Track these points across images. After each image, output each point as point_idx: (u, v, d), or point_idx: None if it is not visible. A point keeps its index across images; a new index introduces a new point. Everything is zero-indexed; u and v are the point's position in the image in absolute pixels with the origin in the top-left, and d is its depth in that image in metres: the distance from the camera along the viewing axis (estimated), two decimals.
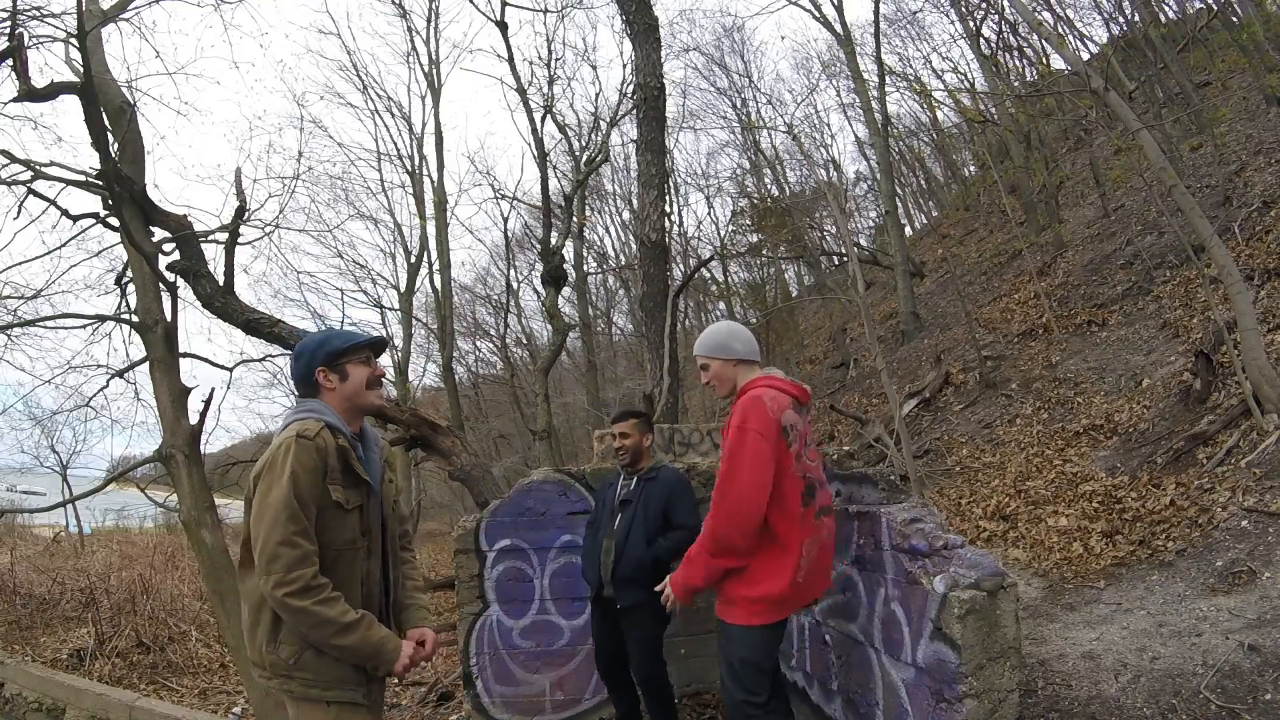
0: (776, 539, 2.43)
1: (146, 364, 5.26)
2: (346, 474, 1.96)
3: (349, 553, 1.96)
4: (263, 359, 8.06)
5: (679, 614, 2.96)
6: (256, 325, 5.60)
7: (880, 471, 3.23)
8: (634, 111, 7.96)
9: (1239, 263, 7.03)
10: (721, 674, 2.55)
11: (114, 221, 5.22)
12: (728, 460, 2.39)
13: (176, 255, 5.37)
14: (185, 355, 5.47)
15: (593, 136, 12.93)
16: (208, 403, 5.20)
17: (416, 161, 15.16)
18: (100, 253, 6.60)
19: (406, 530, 2.36)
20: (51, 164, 5.21)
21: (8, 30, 4.44)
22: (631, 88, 9.18)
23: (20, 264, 6.12)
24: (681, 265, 16.77)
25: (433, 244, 14.75)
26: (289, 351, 6.17)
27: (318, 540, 1.88)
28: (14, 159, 5.09)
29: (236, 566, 1.97)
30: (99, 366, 6.48)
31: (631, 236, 19.50)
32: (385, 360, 2.28)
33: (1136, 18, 14.76)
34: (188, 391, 5.16)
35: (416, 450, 6.24)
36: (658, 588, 2.65)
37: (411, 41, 16.27)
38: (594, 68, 34.24)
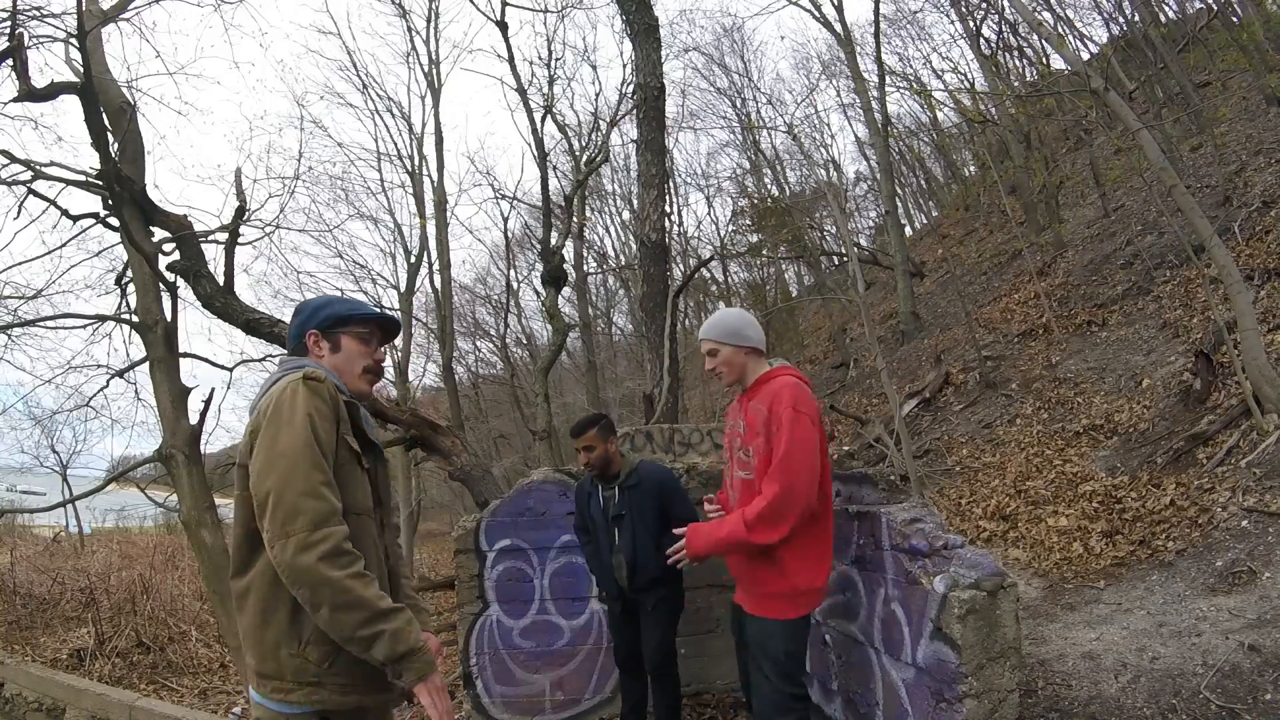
0: (822, 525, 2.42)
1: (146, 364, 5.27)
2: (357, 433, 1.70)
3: (367, 521, 1.66)
4: (263, 359, 8.07)
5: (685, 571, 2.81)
6: (256, 325, 5.59)
7: (880, 471, 3.23)
8: (634, 111, 7.95)
9: (1239, 263, 7.03)
10: (762, 671, 2.47)
11: (114, 221, 5.22)
12: (787, 441, 2.28)
13: (176, 255, 5.37)
14: (185, 355, 5.47)
15: (593, 136, 12.91)
16: (208, 403, 5.21)
17: (416, 161, 15.14)
18: (100, 253, 6.62)
19: (396, 524, 2.19)
20: (51, 164, 5.21)
21: (8, 30, 4.44)
22: (631, 88, 9.17)
23: (20, 264, 6.13)
24: (681, 265, 16.78)
25: (433, 244, 14.73)
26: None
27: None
28: (14, 159, 5.10)
29: (231, 565, 1.65)
30: (99, 366, 6.49)
31: (631, 236, 19.50)
32: (387, 359, 2.00)
33: (1136, 18, 14.76)
34: (188, 391, 5.16)
35: (416, 450, 6.24)
36: (672, 558, 2.57)
37: (411, 41, 16.22)
38: (594, 68, 34.07)
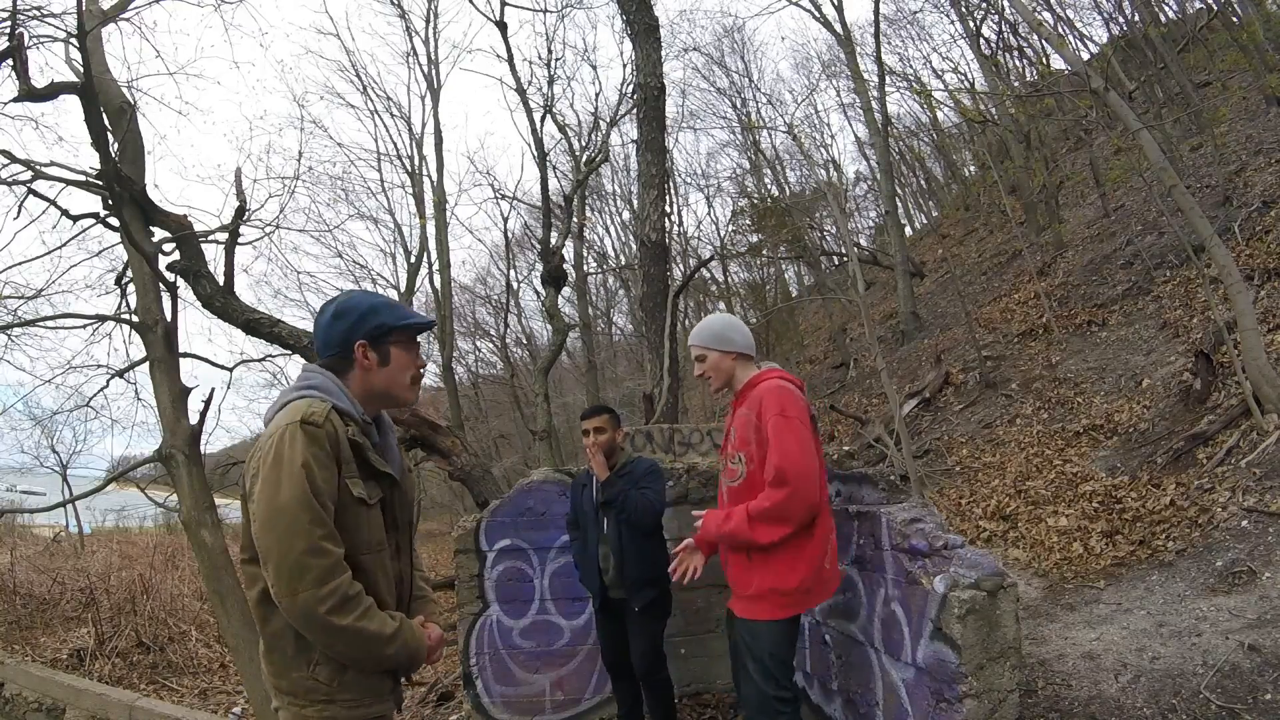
0: (809, 526, 2.41)
1: (146, 364, 5.25)
2: (363, 467, 1.65)
3: (378, 555, 1.67)
4: (263, 359, 8.03)
5: (680, 612, 2.96)
6: (256, 325, 5.60)
7: (880, 471, 3.23)
8: (634, 111, 7.96)
9: (1239, 263, 7.03)
10: (748, 672, 2.49)
11: (114, 221, 5.21)
12: (779, 443, 2.30)
13: (176, 255, 5.37)
14: (185, 355, 5.46)
15: (593, 136, 12.92)
16: (208, 403, 5.20)
17: (416, 161, 15.17)
18: (100, 253, 6.61)
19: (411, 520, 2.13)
20: (51, 164, 5.20)
21: (8, 30, 4.43)
22: (631, 88, 9.18)
23: (20, 264, 6.10)
24: (681, 265, 16.80)
25: (433, 244, 14.77)
26: (289, 352, 6.21)
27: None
28: (14, 159, 5.09)
29: (239, 567, 1.71)
30: (99, 366, 6.48)
31: (631, 236, 19.51)
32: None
33: (1136, 18, 14.76)
34: (188, 391, 5.15)
35: (416, 450, 6.24)
36: (673, 566, 2.63)
37: (411, 42, 16.29)
38: (594, 68, 34.24)
